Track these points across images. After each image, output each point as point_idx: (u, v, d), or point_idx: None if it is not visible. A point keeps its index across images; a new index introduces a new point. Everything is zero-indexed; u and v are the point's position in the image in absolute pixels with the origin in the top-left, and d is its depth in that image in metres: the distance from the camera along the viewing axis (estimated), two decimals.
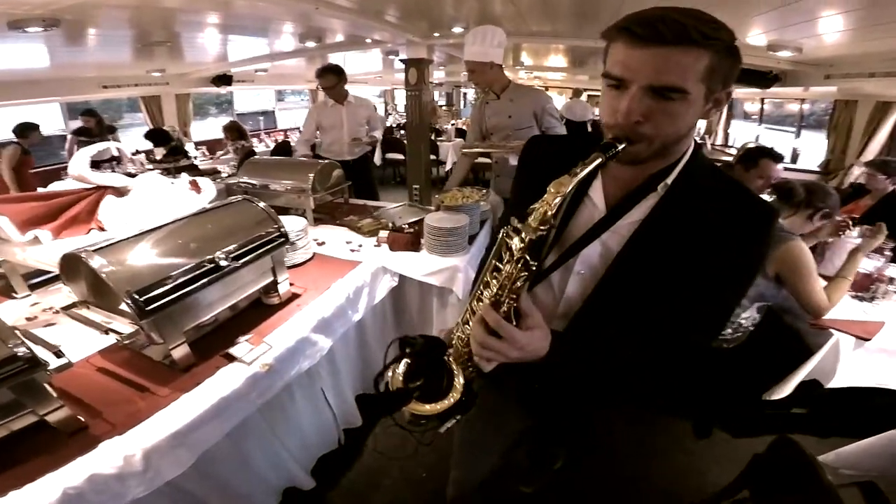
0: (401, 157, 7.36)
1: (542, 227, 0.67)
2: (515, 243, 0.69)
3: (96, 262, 1.20)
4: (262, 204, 1.66)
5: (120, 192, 1.72)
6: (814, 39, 3.37)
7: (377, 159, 7.20)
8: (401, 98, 10.59)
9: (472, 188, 2.68)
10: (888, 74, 3.66)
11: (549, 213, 0.66)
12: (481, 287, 0.77)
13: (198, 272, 1.34)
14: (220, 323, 1.59)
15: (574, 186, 0.67)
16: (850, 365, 1.77)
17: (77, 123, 5.59)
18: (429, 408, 0.79)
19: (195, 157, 5.69)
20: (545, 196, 0.67)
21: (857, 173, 4.67)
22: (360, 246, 2.35)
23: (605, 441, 2.04)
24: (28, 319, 1.66)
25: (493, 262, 0.74)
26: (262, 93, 9.41)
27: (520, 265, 0.70)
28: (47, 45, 3.69)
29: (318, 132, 3.74)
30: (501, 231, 0.72)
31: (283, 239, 1.63)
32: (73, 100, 5.84)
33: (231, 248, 1.45)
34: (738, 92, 6.90)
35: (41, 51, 3.88)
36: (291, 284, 1.81)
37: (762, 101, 7.16)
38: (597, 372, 0.87)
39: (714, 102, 0.72)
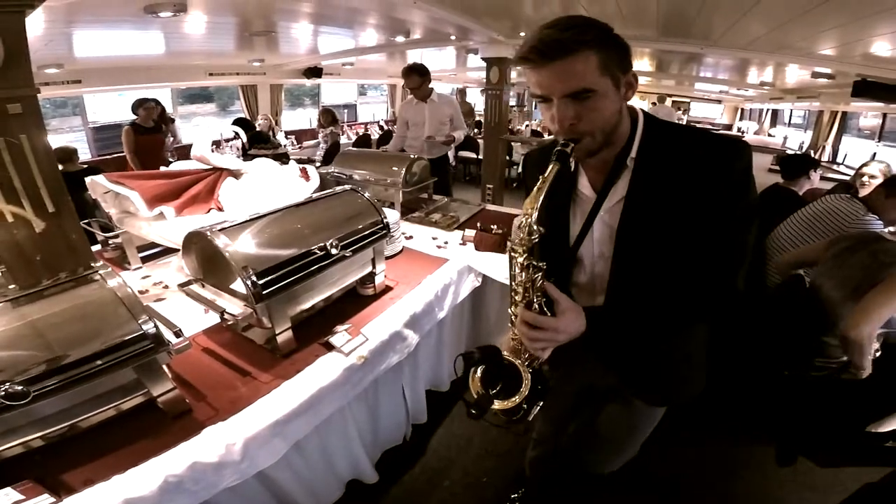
0: (472, 155, 7.31)
1: (532, 237, 0.86)
2: (519, 256, 0.87)
3: (221, 241, 1.22)
4: (367, 195, 1.66)
5: (234, 174, 1.79)
6: None
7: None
8: (472, 96, 10.51)
9: None
10: None
11: (532, 223, 0.85)
12: (513, 296, 0.93)
13: (310, 258, 1.35)
14: (317, 310, 1.60)
15: (544, 195, 0.83)
16: None
17: (189, 108, 5.91)
18: (509, 402, 0.94)
19: (285, 146, 5.94)
20: (525, 209, 0.85)
21: None
22: (446, 243, 2.34)
23: (687, 452, 2.05)
24: (140, 292, 1.72)
25: (512, 274, 0.91)
26: (347, 87, 9.75)
27: (531, 269, 0.87)
28: (164, 32, 3.99)
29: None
30: (507, 253, 0.92)
31: (385, 231, 1.63)
32: (182, 86, 6.30)
33: (340, 236, 1.45)
34: (855, 105, 6.20)
35: (158, 38, 4.21)
36: (385, 277, 1.80)
37: (884, 115, 6.37)
38: (639, 333, 0.95)
39: (626, 86, 0.84)
